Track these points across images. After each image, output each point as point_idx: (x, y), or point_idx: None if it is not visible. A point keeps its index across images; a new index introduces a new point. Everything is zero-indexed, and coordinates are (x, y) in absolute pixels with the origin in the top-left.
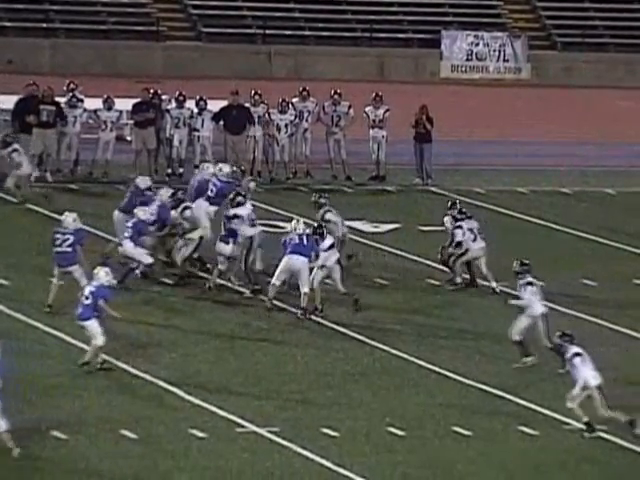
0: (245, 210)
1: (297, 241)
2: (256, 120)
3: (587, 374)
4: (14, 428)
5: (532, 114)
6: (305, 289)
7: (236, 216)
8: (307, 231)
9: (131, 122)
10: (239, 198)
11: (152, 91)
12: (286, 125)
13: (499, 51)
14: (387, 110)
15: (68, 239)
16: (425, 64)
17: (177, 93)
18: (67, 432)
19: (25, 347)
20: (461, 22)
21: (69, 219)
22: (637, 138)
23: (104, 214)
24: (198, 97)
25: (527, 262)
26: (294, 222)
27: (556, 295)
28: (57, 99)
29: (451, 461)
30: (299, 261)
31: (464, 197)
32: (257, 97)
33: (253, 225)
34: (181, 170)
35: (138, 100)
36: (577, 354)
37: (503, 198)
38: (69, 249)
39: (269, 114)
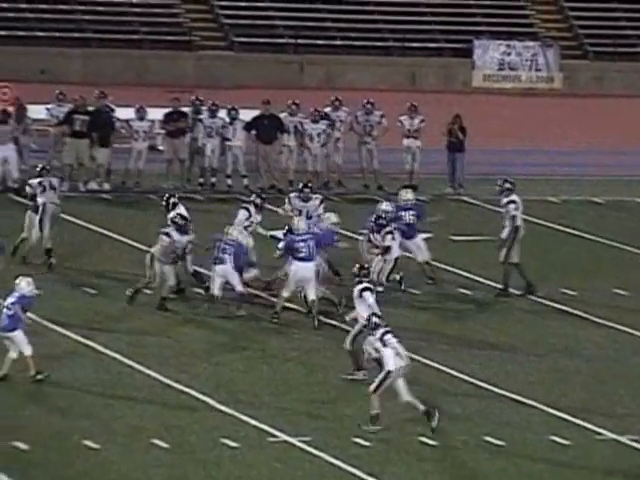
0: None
1: (300, 247)
2: (292, 130)
3: (391, 357)
4: (47, 438)
5: (564, 123)
6: (312, 297)
7: (180, 215)
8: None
9: (163, 131)
10: (172, 199)
11: (193, 97)
12: (318, 134)
13: (531, 60)
14: (422, 120)
15: None
16: (457, 73)
17: (210, 103)
18: (99, 441)
19: (57, 356)
20: (493, 31)
21: None
22: None
23: (136, 223)
24: (230, 106)
25: (366, 266)
26: (296, 220)
27: (588, 305)
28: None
29: (482, 471)
30: (307, 269)
31: (495, 207)
32: (294, 106)
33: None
34: (213, 180)
35: (169, 109)
36: (388, 332)
37: (535, 207)
38: None
39: (301, 124)
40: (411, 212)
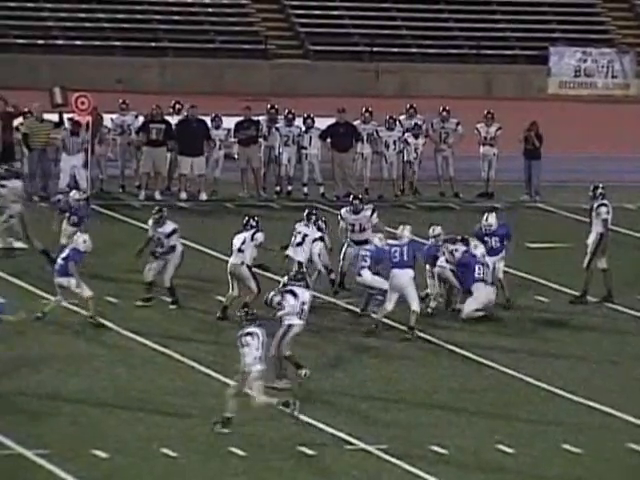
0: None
1: (398, 255)
2: (365, 137)
3: (252, 356)
4: (125, 446)
5: None
6: (414, 307)
7: (175, 231)
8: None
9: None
10: (160, 214)
11: (268, 106)
12: (394, 142)
13: (607, 67)
14: (499, 128)
15: None
16: (532, 80)
17: (286, 111)
18: (177, 450)
19: (135, 365)
20: (568, 38)
21: None
22: None
23: (213, 232)
24: (305, 115)
25: (303, 271)
26: (400, 229)
27: None
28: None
29: (560, 479)
30: (406, 276)
31: (571, 214)
32: (367, 114)
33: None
34: (289, 188)
35: (240, 118)
36: (249, 333)
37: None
38: None
39: (377, 131)
40: (495, 237)
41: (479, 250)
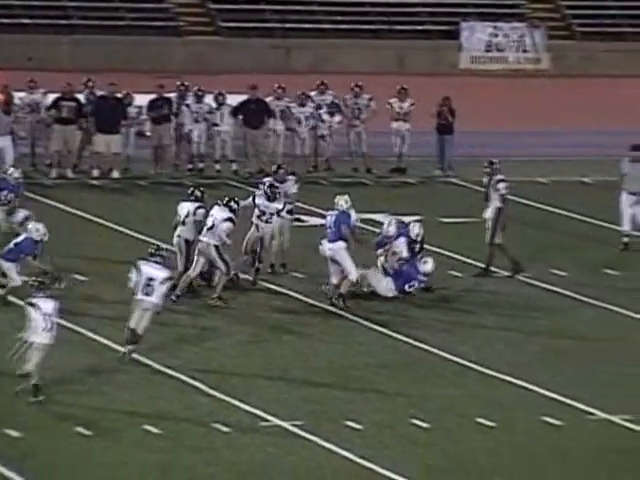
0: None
1: (328, 227)
2: (279, 114)
3: (33, 326)
4: (38, 425)
5: (552, 104)
6: (350, 276)
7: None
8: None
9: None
10: (13, 205)
11: (178, 83)
12: (306, 118)
13: (518, 42)
14: (413, 104)
15: None
16: (444, 56)
17: (196, 88)
18: (91, 428)
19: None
20: (480, 13)
21: None
22: None
23: (124, 210)
24: (217, 92)
25: (162, 247)
26: (337, 198)
27: (578, 285)
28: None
29: (475, 452)
30: (337, 248)
31: (484, 188)
32: (280, 91)
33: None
34: (201, 165)
35: (154, 96)
36: (29, 304)
37: (524, 189)
38: None
39: (289, 107)
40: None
41: (427, 266)
